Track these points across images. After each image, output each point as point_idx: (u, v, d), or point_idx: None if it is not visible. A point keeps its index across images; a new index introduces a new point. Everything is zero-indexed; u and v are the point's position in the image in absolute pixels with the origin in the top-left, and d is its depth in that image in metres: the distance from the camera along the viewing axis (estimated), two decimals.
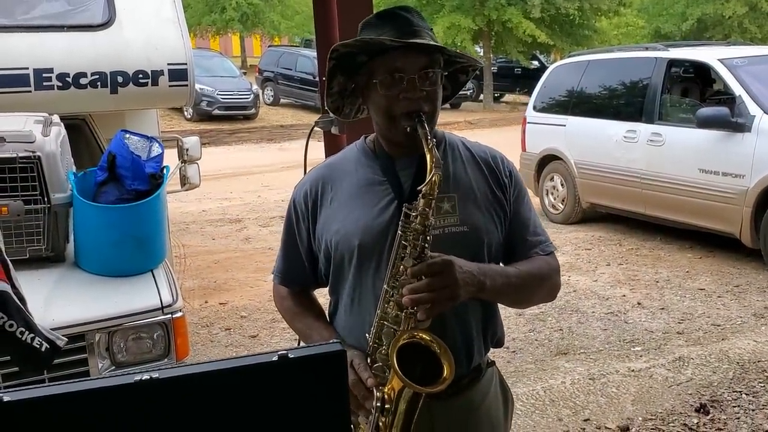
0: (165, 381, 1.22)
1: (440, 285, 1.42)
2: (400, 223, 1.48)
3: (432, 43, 1.53)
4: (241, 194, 10.28)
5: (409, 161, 1.60)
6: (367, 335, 1.54)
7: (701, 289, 5.71)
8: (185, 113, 18.35)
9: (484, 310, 1.66)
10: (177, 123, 17.43)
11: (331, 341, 1.34)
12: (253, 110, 19.19)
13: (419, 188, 1.46)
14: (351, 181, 1.65)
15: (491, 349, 1.72)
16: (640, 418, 3.71)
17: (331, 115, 2.84)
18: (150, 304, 2.95)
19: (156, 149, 3.34)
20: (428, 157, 1.46)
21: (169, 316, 2.94)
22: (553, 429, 3.67)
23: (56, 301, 2.86)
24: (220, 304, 5.75)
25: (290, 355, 1.27)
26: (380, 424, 1.49)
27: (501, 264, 1.66)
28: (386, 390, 1.48)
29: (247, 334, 5.10)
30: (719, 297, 5.53)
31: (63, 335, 2.86)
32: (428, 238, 1.45)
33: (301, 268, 1.74)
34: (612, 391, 4.03)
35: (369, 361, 1.53)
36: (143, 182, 3.21)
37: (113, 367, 2.90)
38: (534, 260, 1.66)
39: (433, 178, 1.44)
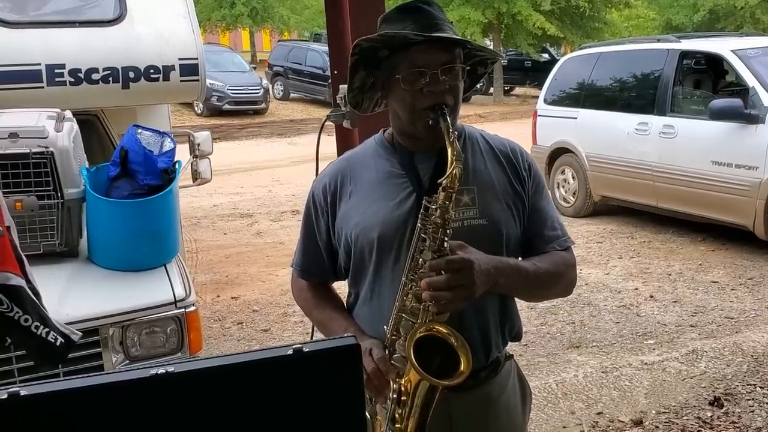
0: (181, 375, 1.23)
1: (458, 282, 1.43)
2: (419, 215, 1.48)
3: (456, 37, 1.54)
4: (251, 189, 10.30)
5: (428, 155, 1.61)
6: (385, 327, 1.54)
7: (714, 282, 5.68)
8: (196, 109, 18.39)
9: (502, 304, 1.66)
10: (188, 118, 17.47)
11: (345, 335, 1.34)
12: (263, 105, 19.22)
13: (439, 181, 1.46)
14: (370, 174, 1.65)
15: (509, 343, 1.71)
16: (653, 412, 3.70)
17: (343, 108, 2.85)
18: (163, 298, 2.96)
19: (168, 144, 3.35)
20: (449, 150, 1.45)
21: (182, 310, 2.96)
22: (566, 422, 3.66)
23: (70, 296, 2.88)
24: (232, 298, 5.77)
25: (305, 349, 1.27)
26: (396, 415, 1.50)
27: (519, 257, 1.65)
28: (403, 382, 1.49)
29: (259, 328, 5.12)
30: (732, 290, 5.50)
31: (77, 330, 2.89)
32: (448, 231, 1.45)
33: (320, 261, 1.75)
34: (625, 385, 4.02)
35: (387, 351, 1.53)
36: (155, 177, 3.22)
37: (127, 361, 2.92)
38: (551, 255, 1.66)
39: (454, 171, 1.44)
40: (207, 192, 10.00)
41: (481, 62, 1.66)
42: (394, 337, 1.52)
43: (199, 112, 18.46)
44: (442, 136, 1.48)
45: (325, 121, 2.80)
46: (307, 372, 1.29)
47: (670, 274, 5.93)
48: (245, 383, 1.26)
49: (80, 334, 2.33)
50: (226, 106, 18.34)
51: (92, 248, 3.16)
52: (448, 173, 1.44)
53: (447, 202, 1.45)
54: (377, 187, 1.63)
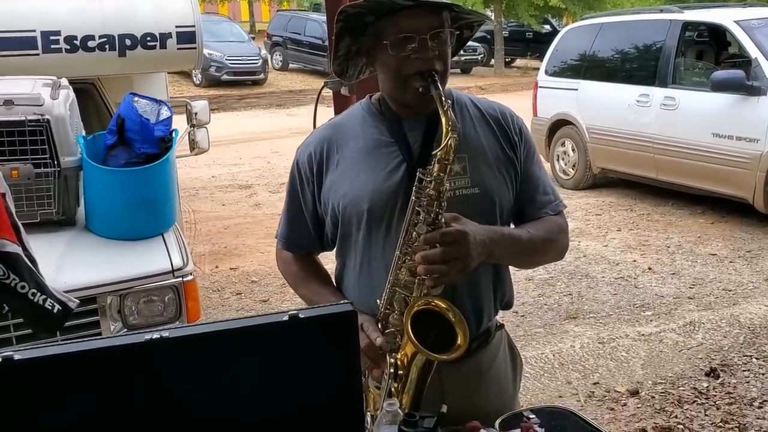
0: (176, 340, 1.22)
1: (453, 255, 1.41)
2: (414, 188, 1.45)
3: (443, 0, 1.49)
4: (250, 160, 10.26)
5: (417, 121, 1.57)
6: (378, 301, 1.53)
7: (713, 255, 5.69)
8: (194, 79, 18.24)
9: (495, 273, 1.65)
10: (186, 89, 17.35)
11: (341, 302, 1.33)
12: (261, 75, 19.06)
13: (434, 152, 1.43)
14: (357, 142, 1.62)
15: (500, 312, 1.71)
16: (649, 382, 3.72)
17: None
18: (161, 267, 2.96)
19: (165, 112, 3.32)
20: (443, 119, 1.43)
21: (180, 279, 2.96)
22: (562, 392, 3.68)
23: (67, 264, 2.87)
24: (231, 269, 5.77)
25: (301, 315, 1.26)
26: (392, 389, 1.49)
27: (511, 225, 1.64)
28: (399, 356, 1.48)
29: (257, 299, 5.13)
30: (731, 262, 5.50)
31: (74, 298, 2.89)
32: (443, 204, 1.43)
33: (305, 232, 1.72)
34: (622, 355, 4.04)
35: (380, 327, 1.52)
36: (152, 145, 3.20)
37: (125, 330, 2.92)
38: (544, 222, 1.64)
39: (450, 142, 1.41)
40: (205, 163, 9.97)
41: (467, 25, 1.62)
42: (387, 311, 1.51)
43: (198, 82, 18.33)
44: (431, 102, 1.45)
45: (323, 87, 2.77)
46: (303, 339, 1.28)
47: (668, 247, 5.93)
48: (240, 349, 1.26)
49: (77, 301, 2.32)
50: (225, 77, 18.20)
51: (89, 217, 3.15)
52: (443, 144, 1.42)
53: (442, 174, 1.43)
54: (366, 156, 1.60)
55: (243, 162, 10.17)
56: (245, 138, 12.15)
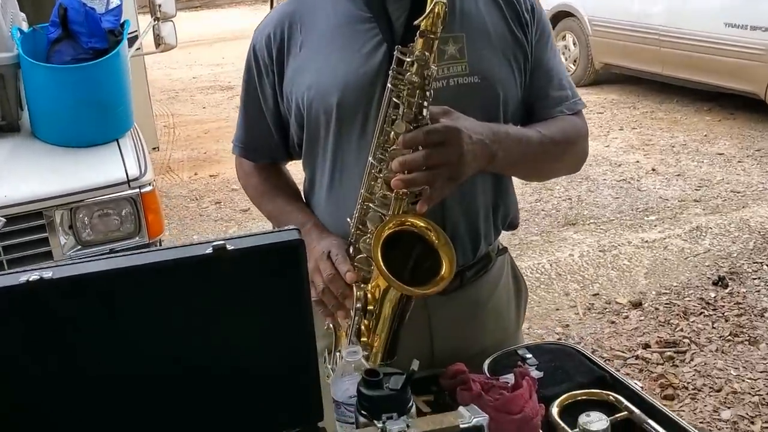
0: (63, 282, 0.93)
1: (440, 160, 1.09)
2: (390, 73, 1.11)
3: None
4: (233, 60, 9.73)
5: None
6: (348, 219, 1.22)
7: (720, 154, 5.37)
8: None
9: (495, 184, 1.33)
10: None
11: (287, 227, 1.03)
12: None
13: (416, 22, 1.08)
14: (326, 19, 1.27)
15: (502, 233, 1.40)
16: (653, 293, 3.49)
17: None
18: (115, 177, 2.66)
19: (114, 1, 2.94)
20: None
21: (137, 190, 2.66)
22: (560, 304, 3.46)
23: (9, 176, 2.59)
24: (210, 176, 5.47)
25: (229, 247, 0.97)
26: (362, 327, 1.21)
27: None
28: (370, 288, 1.18)
29: (238, 208, 4.84)
30: (739, 162, 5.19)
31: (18, 213, 2.59)
32: (427, 93, 1.09)
33: (266, 136, 1.40)
34: (623, 264, 3.79)
35: (351, 251, 1.22)
36: (101, 39, 2.83)
37: (79, 247, 2.66)
38: (558, 121, 1.31)
39: (436, 9, 1.06)
40: (186, 63, 9.51)
41: None
42: (359, 233, 1.20)
43: None
44: None
45: None
46: (234, 276, 0.99)
47: (673, 146, 5.61)
48: (150, 291, 0.97)
49: (4, 220, 2.04)
50: None
51: (34, 122, 2.82)
52: (427, 11, 1.07)
53: (427, 53, 1.08)
54: (336, 35, 1.25)
55: (226, 62, 9.67)
56: (229, 37, 11.55)
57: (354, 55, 1.24)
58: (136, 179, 2.65)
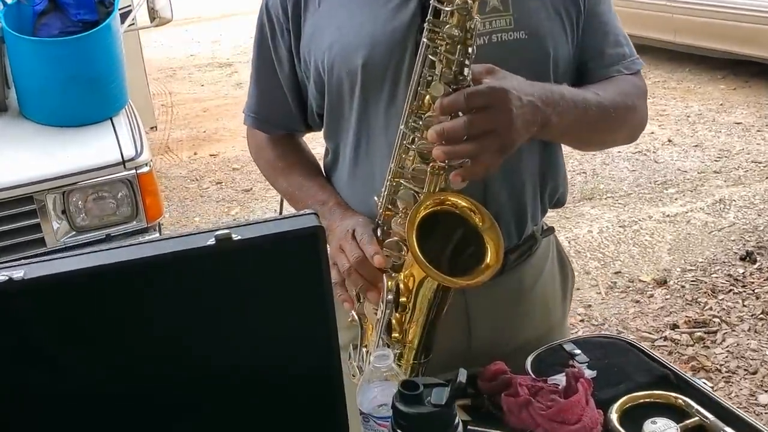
0: (31, 284, 0.76)
1: (485, 127, 0.91)
2: (425, 27, 0.94)
3: None
4: (232, 36, 9.52)
5: None
6: (375, 198, 1.06)
7: (737, 123, 5.18)
8: None
9: (544, 155, 1.17)
10: None
11: (303, 212, 0.86)
12: None
13: None
14: None
15: (548, 212, 1.24)
16: (678, 269, 3.33)
17: None
18: (109, 158, 2.52)
19: None
20: None
21: (133, 171, 2.51)
22: (580, 284, 3.29)
23: None
24: (211, 155, 5.30)
25: (234, 236, 0.80)
26: (393, 321, 1.04)
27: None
28: (402, 278, 1.02)
29: (240, 188, 4.68)
30: (758, 131, 5.01)
31: (7, 197, 2.44)
32: (470, 50, 0.92)
33: (282, 103, 1.23)
34: (645, 240, 3.63)
35: (379, 233, 1.06)
36: (90, 11, 2.69)
37: (73, 233, 2.52)
38: (617, 82, 1.14)
39: None
40: (183, 40, 9.30)
41: None
42: (388, 213, 1.03)
43: None
44: None
45: None
46: (241, 271, 0.83)
47: (688, 116, 5.42)
48: (139, 293, 0.81)
49: None
50: None
51: (22, 100, 2.67)
52: None
53: (469, 1, 0.91)
54: None
55: (224, 38, 9.44)
56: (227, 12, 11.30)
57: (381, 8, 1.07)
58: (131, 160, 2.50)
